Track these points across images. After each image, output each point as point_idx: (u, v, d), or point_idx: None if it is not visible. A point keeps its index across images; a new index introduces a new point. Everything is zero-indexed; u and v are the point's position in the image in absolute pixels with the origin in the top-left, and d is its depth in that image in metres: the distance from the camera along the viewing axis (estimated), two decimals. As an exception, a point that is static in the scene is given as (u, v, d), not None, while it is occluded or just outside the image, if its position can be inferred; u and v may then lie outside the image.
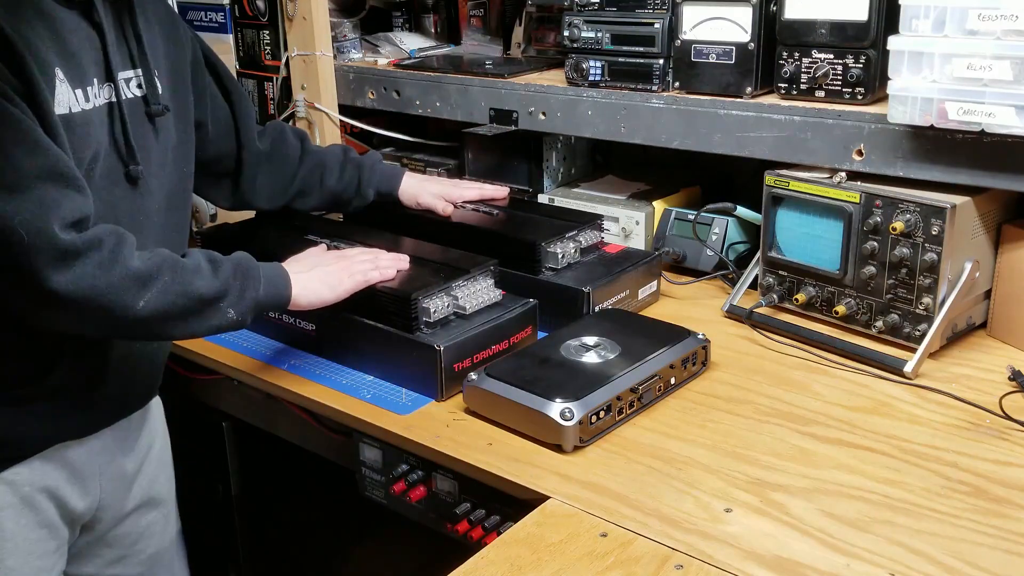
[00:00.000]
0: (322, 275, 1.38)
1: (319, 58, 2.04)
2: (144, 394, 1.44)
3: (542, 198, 1.98)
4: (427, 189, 1.75)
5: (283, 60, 2.09)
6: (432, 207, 1.73)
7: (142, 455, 1.47)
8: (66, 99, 1.17)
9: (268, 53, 2.12)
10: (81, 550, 1.42)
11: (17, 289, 1.13)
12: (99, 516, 1.41)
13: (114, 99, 1.25)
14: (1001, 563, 1.01)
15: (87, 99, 1.21)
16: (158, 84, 1.33)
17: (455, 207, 1.76)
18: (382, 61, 2.17)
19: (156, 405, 1.52)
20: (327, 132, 2.09)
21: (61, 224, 1.11)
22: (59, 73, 1.16)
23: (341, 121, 2.11)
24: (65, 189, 1.12)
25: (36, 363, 1.25)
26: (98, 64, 1.23)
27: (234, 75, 2.14)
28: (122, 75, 1.27)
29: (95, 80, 1.22)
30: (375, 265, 1.44)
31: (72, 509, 1.35)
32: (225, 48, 2.15)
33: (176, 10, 1.44)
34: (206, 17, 2.18)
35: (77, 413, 1.31)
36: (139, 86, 1.30)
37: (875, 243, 1.46)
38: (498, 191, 1.82)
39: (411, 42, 2.29)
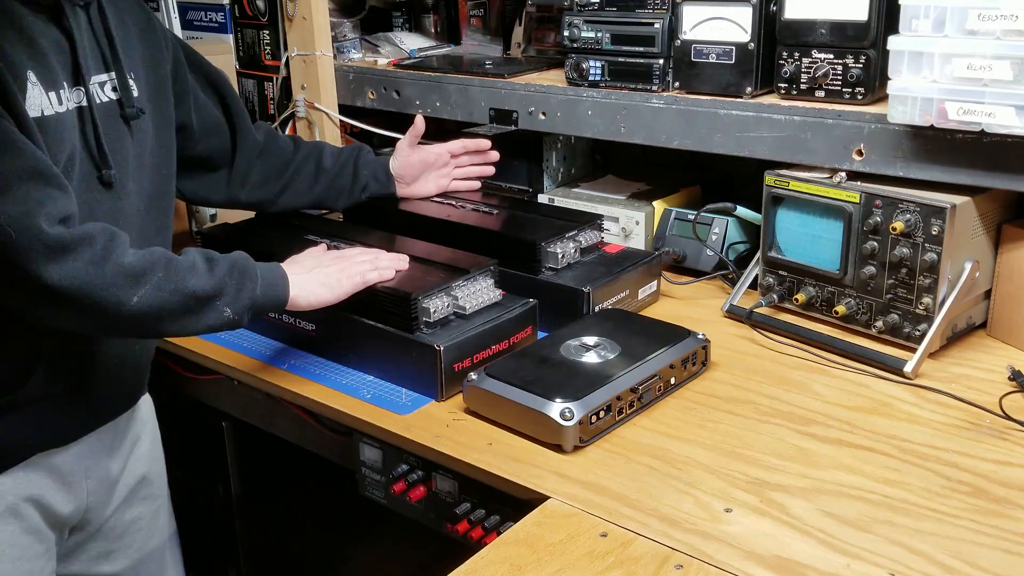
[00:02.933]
0: (321, 276, 1.38)
1: (319, 58, 2.04)
2: (130, 397, 1.44)
3: (542, 198, 1.98)
4: (399, 145, 1.80)
5: (283, 60, 2.09)
6: (407, 142, 1.77)
7: (127, 452, 1.46)
8: (38, 102, 1.17)
9: (268, 53, 2.13)
10: (69, 549, 1.42)
11: (12, 286, 1.13)
12: (87, 518, 1.40)
13: (85, 103, 1.24)
14: (1001, 563, 1.01)
15: (60, 102, 1.20)
16: (133, 87, 1.32)
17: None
18: (382, 61, 2.17)
19: (144, 401, 1.51)
20: (327, 132, 2.09)
21: (48, 221, 1.11)
22: (31, 76, 1.16)
23: (341, 121, 2.11)
24: (47, 188, 1.12)
25: (11, 371, 1.25)
26: (68, 68, 1.23)
27: (232, 75, 2.15)
28: (95, 79, 1.27)
29: (65, 84, 1.22)
30: (374, 266, 1.43)
31: (58, 514, 1.34)
32: (225, 48, 2.15)
33: (153, 14, 1.44)
34: (206, 17, 2.19)
35: (60, 420, 1.30)
36: (113, 89, 1.30)
37: (875, 243, 1.46)
38: (477, 153, 1.86)
39: (411, 42, 2.29)
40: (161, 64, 1.41)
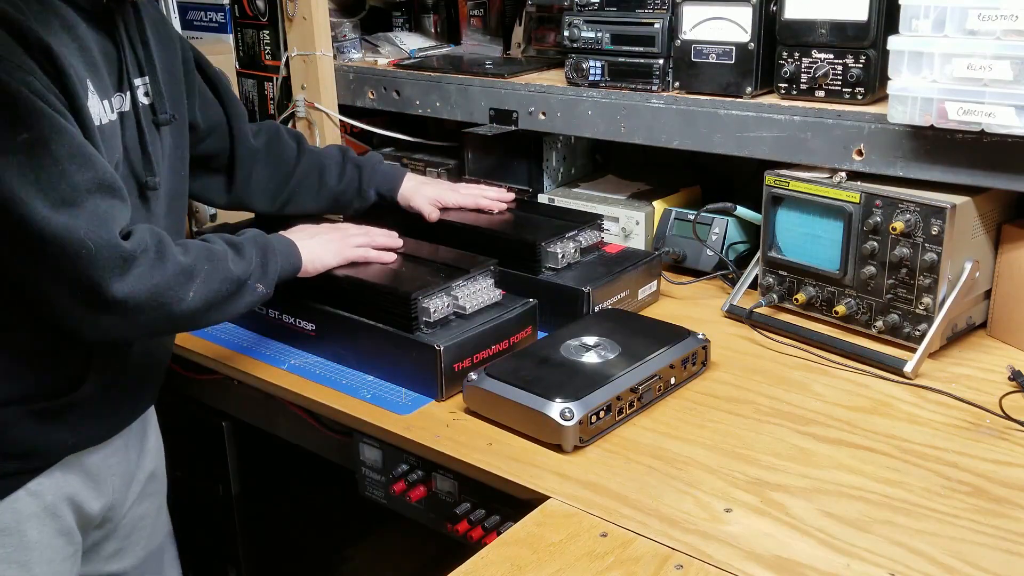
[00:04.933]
0: (323, 242, 1.45)
1: (319, 58, 2.04)
2: (153, 394, 1.45)
3: (542, 198, 1.98)
4: (421, 192, 1.73)
5: (283, 60, 2.09)
6: (420, 210, 1.71)
7: (140, 448, 1.47)
8: (97, 111, 1.18)
9: (268, 53, 2.13)
10: (85, 549, 1.42)
11: (76, 301, 1.13)
12: (108, 516, 1.41)
13: (127, 108, 1.25)
14: (1001, 563, 1.01)
15: (112, 110, 1.21)
16: (164, 91, 1.33)
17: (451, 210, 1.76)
18: (382, 61, 2.17)
19: None
20: (327, 132, 2.09)
21: (119, 233, 1.13)
22: (90, 85, 1.17)
23: (341, 121, 2.11)
24: (113, 199, 1.14)
25: (68, 375, 1.26)
26: (113, 74, 1.24)
27: (232, 75, 2.15)
28: (134, 83, 1.27)
29: (112, 90, 1.23)
30: (370, 242, 1.50)
31: (88, 513, 1.35)
32: (225, 48, 2.15)
33: (164, 12, 1.45)
34: (206, 17, 2.18)
35: (99, 421, 1.32)
36: (146, 94, 1.31)
37: (875, 243, 1.46)
38: (494, 204, 1.75)
39: (411, 42, 2.29)
40: (176, 63, 1.41)
